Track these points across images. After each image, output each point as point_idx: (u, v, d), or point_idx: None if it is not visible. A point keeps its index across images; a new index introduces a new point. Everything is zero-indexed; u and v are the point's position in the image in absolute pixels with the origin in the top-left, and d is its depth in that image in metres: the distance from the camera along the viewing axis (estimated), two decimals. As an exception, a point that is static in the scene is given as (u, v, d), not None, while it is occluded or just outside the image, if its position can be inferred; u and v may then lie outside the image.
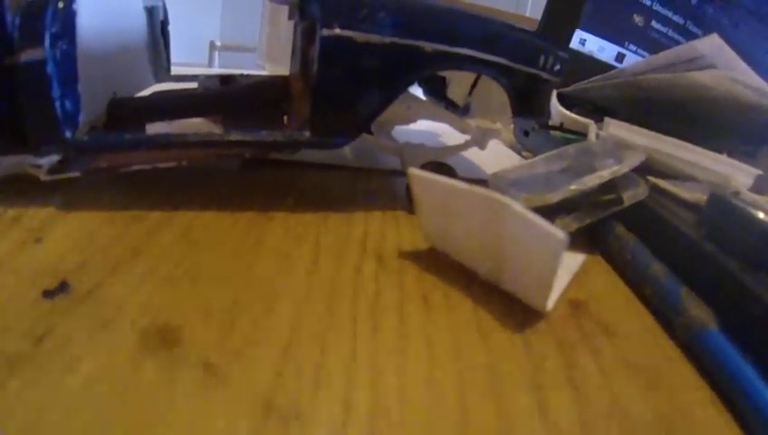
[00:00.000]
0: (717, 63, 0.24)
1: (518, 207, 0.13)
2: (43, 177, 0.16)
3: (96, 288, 0.13)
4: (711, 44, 0.24)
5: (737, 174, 0.21)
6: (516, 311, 0.15)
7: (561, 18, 0.35)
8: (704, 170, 0.22)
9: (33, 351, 0.10)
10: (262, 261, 0.16)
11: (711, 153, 0.22)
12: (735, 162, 0.22)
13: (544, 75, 0.21)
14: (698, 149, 0.22)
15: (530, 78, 0.20)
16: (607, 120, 0.23)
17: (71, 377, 0.10)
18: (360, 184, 0.24)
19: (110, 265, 0.14)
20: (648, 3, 0.37)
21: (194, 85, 0.26)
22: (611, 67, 0.36)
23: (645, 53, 0.38)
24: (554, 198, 0.19)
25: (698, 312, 0.15)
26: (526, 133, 0.34)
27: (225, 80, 0.26)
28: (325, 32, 0.16)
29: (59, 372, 0.10)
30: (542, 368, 0.13)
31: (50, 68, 0.15)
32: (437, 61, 0.18)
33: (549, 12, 0.36)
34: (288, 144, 0.18)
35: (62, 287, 0.13)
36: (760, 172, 0.21)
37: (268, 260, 0.16)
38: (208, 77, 0.26)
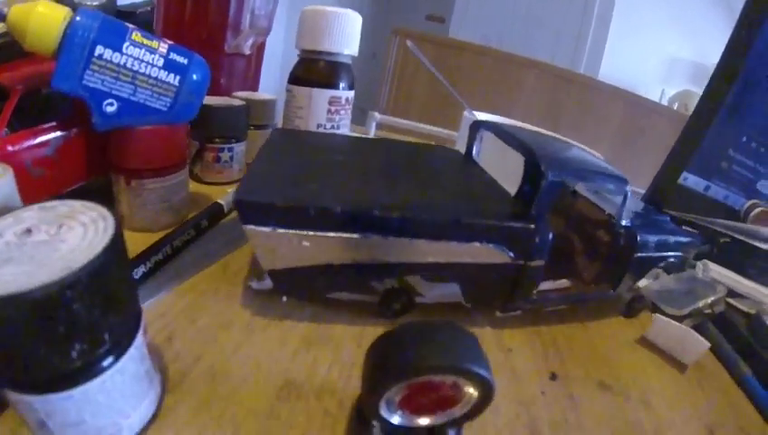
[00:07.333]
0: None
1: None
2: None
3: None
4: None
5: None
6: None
7: (675, 162, 0.55)
8: (760, 296, 0.42)
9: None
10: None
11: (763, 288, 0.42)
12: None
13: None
14: (757, 285, 0.43)
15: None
16: (707, 263, 0.43)
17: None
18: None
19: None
20: (732, 153, 0.56)
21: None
22: (716, 202, 0.56)
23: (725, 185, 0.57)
24: (684, 311, 0.40)
25: None
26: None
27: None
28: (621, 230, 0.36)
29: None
30: None
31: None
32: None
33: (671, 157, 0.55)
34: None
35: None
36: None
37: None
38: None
